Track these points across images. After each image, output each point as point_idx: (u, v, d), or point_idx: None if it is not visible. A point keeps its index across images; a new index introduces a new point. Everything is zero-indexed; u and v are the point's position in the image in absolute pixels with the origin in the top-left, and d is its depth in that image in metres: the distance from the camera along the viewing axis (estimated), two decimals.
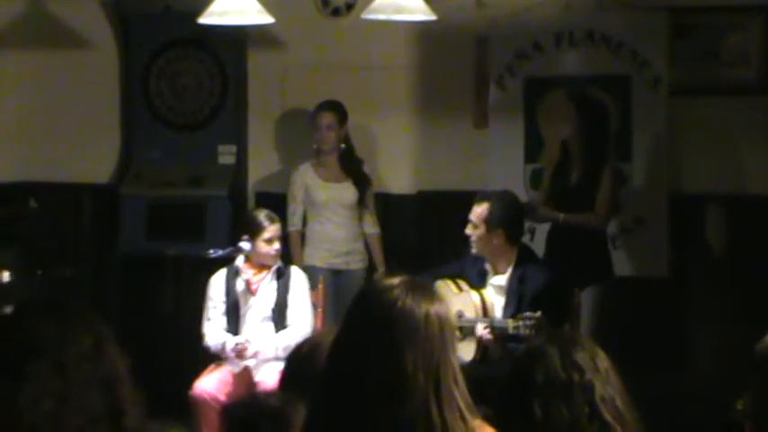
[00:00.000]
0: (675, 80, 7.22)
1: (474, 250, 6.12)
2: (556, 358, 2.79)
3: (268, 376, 6.14)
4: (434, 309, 2.44)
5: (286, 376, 3.38)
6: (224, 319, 6.38)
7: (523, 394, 2.77)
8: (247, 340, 6.24)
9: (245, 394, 5.89)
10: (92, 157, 8.12)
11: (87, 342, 2.24)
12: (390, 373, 2.38)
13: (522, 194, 7.12)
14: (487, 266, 6.13)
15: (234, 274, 6.41)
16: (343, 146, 7.29)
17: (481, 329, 5.83)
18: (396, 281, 2.47)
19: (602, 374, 2.80)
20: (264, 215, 6.44)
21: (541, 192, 7.01)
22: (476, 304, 5.97)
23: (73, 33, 8.09)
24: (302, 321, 6.32)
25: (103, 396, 2.16)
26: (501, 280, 6.08)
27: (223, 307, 6.40)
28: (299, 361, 3.31)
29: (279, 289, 6.38)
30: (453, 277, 6.12)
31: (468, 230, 6.09)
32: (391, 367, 2.38)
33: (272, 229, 6.38)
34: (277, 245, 6.38)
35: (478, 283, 6.10)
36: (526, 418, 2.73)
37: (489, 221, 6.03)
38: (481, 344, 5.87)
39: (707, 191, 7.31)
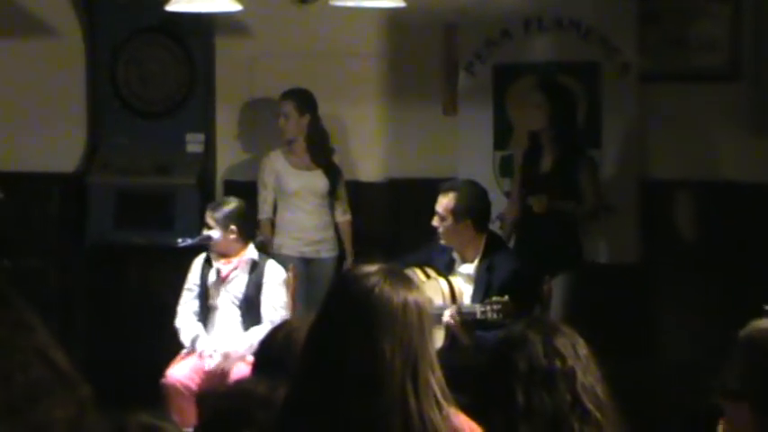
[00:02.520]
0: (645, 66, 7.22)
1: (443, 241, 6.09)
2: (538, 345, 2.79)
3: (237, 368, 6.12)
4: (412, 297, 2.43)
5: (260, 364, 3.35)
6: (196, 303, 6.36)
7: (505, 381, 2.76)
8: (213, 354, 6.19)
9: (223, 383, 5.85)
10: (58, 146, 8.04)
11: (13, 315, 2.16)
12: (367, 360, 2.36)
13: (493, 182, 7.11)
14: (455, 255, 6.11)
15: (206, 261, 6.40)
16: (304, 135, 7.22)
17: (448, 316, 5.81)
18: (374, 268, 2.45)
19: (582, 362, 2.80)
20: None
21: (515, 179, 7.01)
22: (444, 291, 5.95)
23: (38, 20, 8.01)
24: (275, 320, 6.22)
25: (45, 366, 2.09)
26: (469, 269, 6.05)
27: (197, 290, 6.38)
28: (273, 349, 3.27)
29: (250, 280, 6.33)
30: (421, 265, 6.09)
31: (436, 222, 6.05)
32: (368, 355, 2.36)
33: (206, 215, 6.38)
34: (205, 231, 6.32)
35: (446, 271, 6.08)
36: (508, 405, 2.72)
37: (457, 212, 5.99)
38: (449, 330, 5.85)
39: (676, 177, 7.33)
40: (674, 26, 7.30)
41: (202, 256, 6.43)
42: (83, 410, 1.99)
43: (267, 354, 3.28)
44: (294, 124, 7.20)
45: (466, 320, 5.78)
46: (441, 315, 5.81)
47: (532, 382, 2.75)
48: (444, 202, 6.03)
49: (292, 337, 3.08)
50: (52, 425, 1.92)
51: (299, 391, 2.44)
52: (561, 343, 2.81)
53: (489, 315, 5.66)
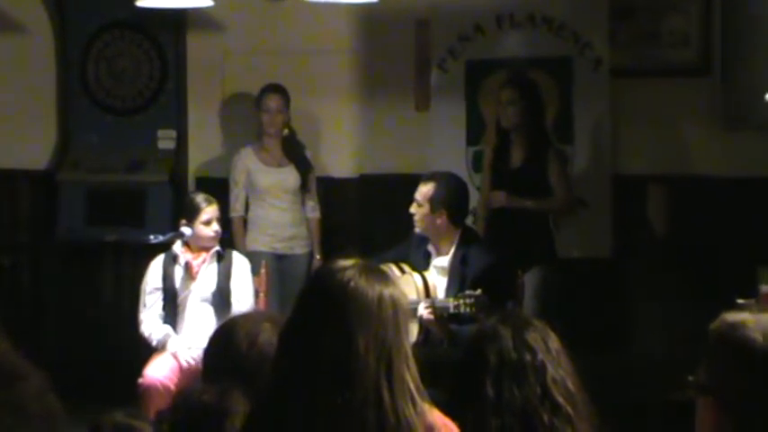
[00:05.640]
0: (616, 62, 7.25)
1: (417, 229, 6.14)
2: (508, 339, 2.80)
3: None
4: (388, 291, 2.42)
5: (205, 369, 3.21)
6: (160, 305, 6.30)
7: (476, 374, 2.77)
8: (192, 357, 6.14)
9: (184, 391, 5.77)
10: (28, 143, 8.00)
11: None
12: (341, 354, 2.36)
13: (466, 177, 7.12)
14: (431, 248, 6.14)
15: (171, 259, 6.34)
16: (286, 130, 7.25)
17: (422, 309, 5.83)
18: (349, 263, 2.45)
19: (553, 355, 2.82)
20: (202, 197, 6.40)
21: (484, 175, 7.02)
22: (418, 286, 5.98)
23: (7, 16, 7.96)
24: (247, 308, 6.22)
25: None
26: (443, 261, 6.09)
27: (159, 294, 6.32)
28: (216, 353, 3.14)
29: (219, 272, 6.32)
30: (398, 261, 6.11)
31: (413, 209, 6.12)
32: (342, 348, 2.36)
33: (208, 211, 6.33)
34: (216, 226, 6.32)
35: (424, 266, 6.11)
36: (479, 398, 2.74)
37: (433, 201, 6.06)
38: (423, 325, 5.87)
39: (648, 172, 7.36)
40: (645, 21, 7.32)
41: (161, 256, 6.38)
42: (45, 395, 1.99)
43: (211, 359, 3.16)
44: (282, 118, 7.21)
45: (440, 314, 5.80)
46: (415, 309, 5.82)
47: (502, 376, 2.76)
48: (423, 190, 6.12)
49: (232, 339, 3.00)
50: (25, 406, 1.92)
51: (273, 384, 2.44)
52: (532, 337, 2.83)
53: (463, 309, 5.70)
